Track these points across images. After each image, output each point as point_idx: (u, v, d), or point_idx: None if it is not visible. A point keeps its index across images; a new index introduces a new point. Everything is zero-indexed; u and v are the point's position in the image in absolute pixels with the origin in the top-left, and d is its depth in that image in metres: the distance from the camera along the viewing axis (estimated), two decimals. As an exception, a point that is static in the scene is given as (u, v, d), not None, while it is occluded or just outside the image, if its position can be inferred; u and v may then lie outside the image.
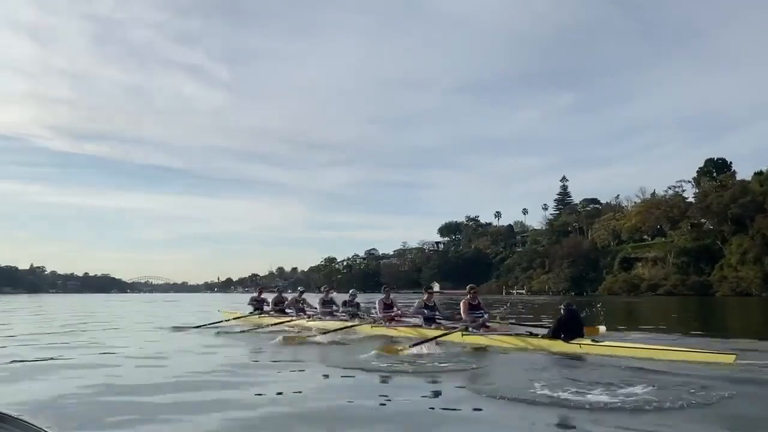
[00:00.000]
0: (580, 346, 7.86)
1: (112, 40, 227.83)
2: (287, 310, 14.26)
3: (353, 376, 6.44)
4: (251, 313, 14.75)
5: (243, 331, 11.76)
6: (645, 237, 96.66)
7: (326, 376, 6.76)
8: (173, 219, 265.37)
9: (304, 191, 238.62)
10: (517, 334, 9.07)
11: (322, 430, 4.20)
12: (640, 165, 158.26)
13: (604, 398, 4.67)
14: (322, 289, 14.23)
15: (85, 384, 5.85)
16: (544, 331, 8.91)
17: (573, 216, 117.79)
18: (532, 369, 6.54)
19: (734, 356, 6.73)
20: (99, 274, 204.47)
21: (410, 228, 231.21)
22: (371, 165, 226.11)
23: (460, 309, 9.88)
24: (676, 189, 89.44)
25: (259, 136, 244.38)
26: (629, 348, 7.69)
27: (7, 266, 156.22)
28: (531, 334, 8.90)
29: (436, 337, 8.97)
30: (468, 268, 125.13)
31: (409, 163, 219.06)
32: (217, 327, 12.72)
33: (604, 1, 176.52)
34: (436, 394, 5.52)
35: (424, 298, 10.76)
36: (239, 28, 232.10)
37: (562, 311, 8.43)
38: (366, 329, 10.89)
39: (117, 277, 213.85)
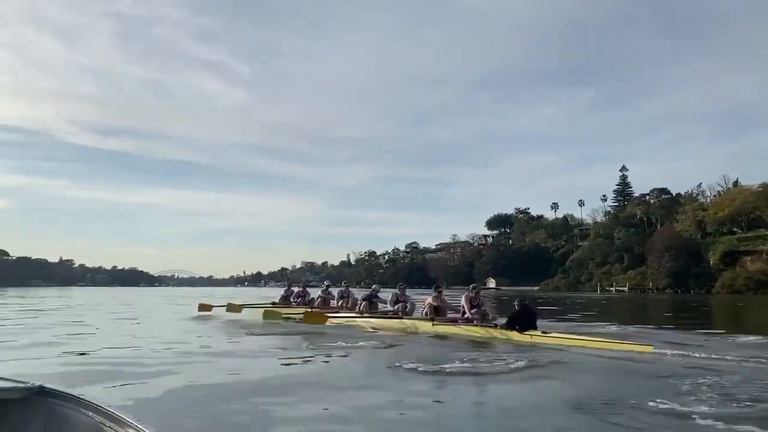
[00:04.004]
0: (532, 336, 9.13)
1: (135, 38, 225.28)
2: (310, 302, 16.05)
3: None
4: (274, 303, 16.87)
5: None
6: (734, 229, 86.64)
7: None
8: (196, 214, 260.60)
9: (325, 187, 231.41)
10: (482, 326, 10.22)
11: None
12: (664, 161, 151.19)
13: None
14: (343, 284, 17.63)
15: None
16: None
17: (642, 207, 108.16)
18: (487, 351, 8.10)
19: (651, 347, 7.91)
20: (127, 267, 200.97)
21: (435, 224, 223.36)
22: (392, 161, 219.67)
23: (462, 304, 10.99)
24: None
25: (280, 133, 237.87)
26: (570, 339, 8.92)
27: (37, 259, 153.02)
28: (496, 326, 10.01)
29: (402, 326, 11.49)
30: (526, 263, 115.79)
31: (430, 159, 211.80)
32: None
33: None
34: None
35: (434, 295, 11.94)
36: (260, 26, 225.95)
37: (516, 307, 9.83)
38: (358, 320, 12.95)
39: (144, 270, 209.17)
